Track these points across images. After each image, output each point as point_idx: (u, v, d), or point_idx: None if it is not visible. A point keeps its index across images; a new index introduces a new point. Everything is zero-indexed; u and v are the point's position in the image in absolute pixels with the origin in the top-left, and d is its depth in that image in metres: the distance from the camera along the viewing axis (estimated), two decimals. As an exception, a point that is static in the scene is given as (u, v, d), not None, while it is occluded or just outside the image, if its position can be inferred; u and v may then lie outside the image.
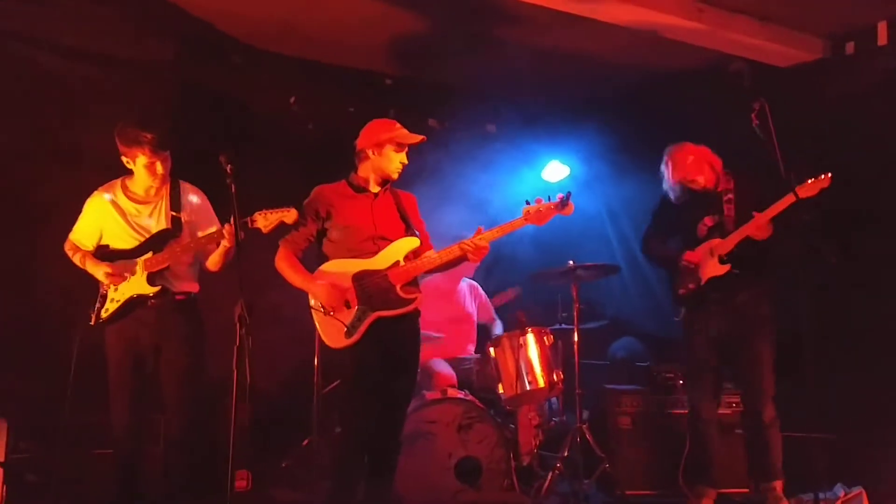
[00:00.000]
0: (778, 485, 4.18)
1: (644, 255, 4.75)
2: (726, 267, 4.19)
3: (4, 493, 3.86)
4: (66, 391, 3.81)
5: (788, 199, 3.90)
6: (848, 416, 4.50)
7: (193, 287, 3.91)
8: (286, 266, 3.67)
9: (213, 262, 3.83)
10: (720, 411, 4.57)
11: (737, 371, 4.36)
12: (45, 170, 4.59)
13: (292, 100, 5.79)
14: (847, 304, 4.75)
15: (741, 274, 4.17)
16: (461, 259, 3.70)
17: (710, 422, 4.34)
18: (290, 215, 3.56)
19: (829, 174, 3.88)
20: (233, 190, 3.29)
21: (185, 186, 3.92)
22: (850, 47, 5.14)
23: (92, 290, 3.84)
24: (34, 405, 4.04)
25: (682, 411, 4.85)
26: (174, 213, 3.83)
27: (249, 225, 3.54)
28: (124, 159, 3.76)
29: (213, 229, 3.74)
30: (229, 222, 3.53)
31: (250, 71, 5.47)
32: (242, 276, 3.17)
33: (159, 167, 3.75)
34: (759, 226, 4.05)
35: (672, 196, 4.41)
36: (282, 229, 3.66)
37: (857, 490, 4.42)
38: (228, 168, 3.27)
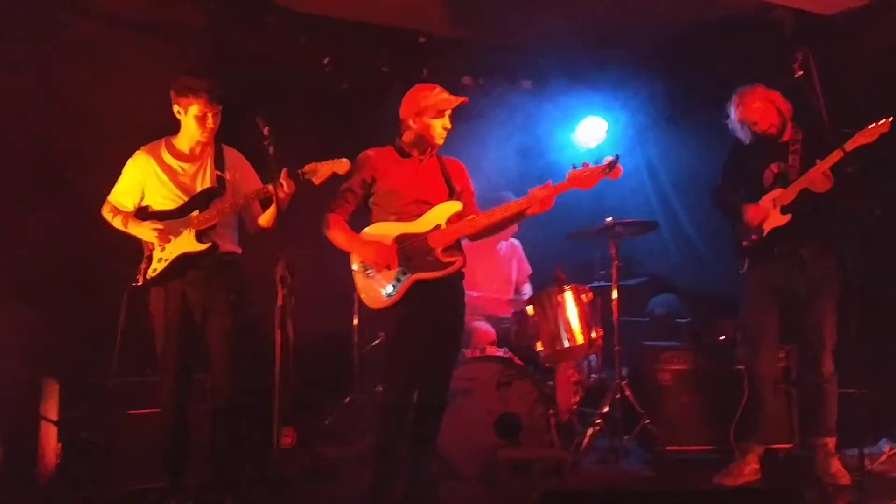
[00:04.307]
0: (830, 441, 4.16)
1: (713, 204, 4.62)
2: (787, 217, 4.13)
3: (60, 451, 3.98)
4: (112, 352, 3.88)
5: (839, 153, 3.85)
6: (893, 372, 4.44)
7: (237, 248, 3.91)
8: (333, 228, 3.69)
9: (266, 218, 3.81)
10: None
11: (799, 324, 4.27)
12: (82, 134, 4.64)
13: (326, 60, 5.78)
14: (890, 260, 4.65)
15: (804, 224, 4.11)
16: (506, 223, 3.70)
17: (765, 378, 4.31)
18: (342, 165, 3.55)
19: (890, 119, 3.81)
20: (270, 151, 3.31)
21: (226, 148, 3.92)
22: (897, -9, 4.97)
23: (136, 251, 3.84)
24: (84, 365, 4.13)
25: (722, 367, 4.83)
26: (219, 173, 3.82)
27: (302, 178, 3.53)
28: (175, 108, 3.74)
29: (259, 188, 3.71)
30: (276, 182, 3.52)
31: (284, 32, 5.45)
32: (284, 237, 3.20)
33: (210, 120, 3.72)
34: (814, 178, 4.00)
35: (740, 136, 4.37)
36: (335, 181, 3.64)
37: (902, 445, 4.40)
38: (265, 130, 3.28)
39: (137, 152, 3.85)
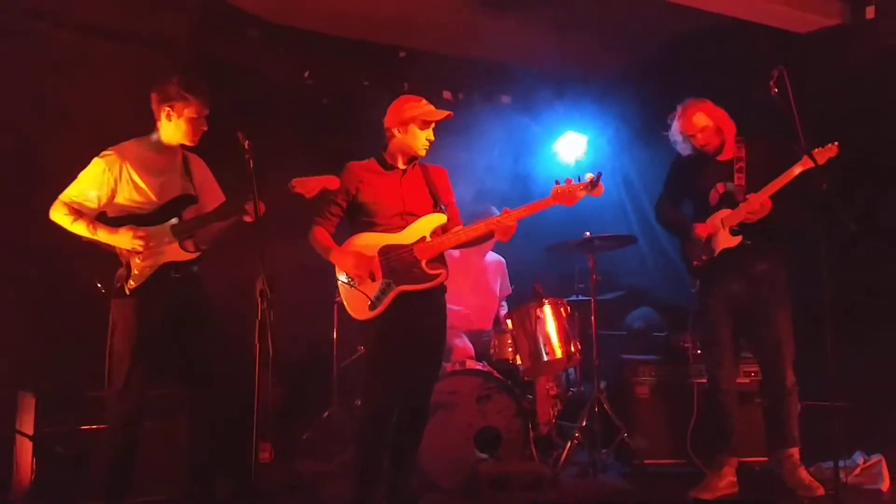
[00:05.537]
0: (795, 451, 4.21)
1: (657, 221, 4.70)
2: (738, 238, 4.19)
3: (34, 467, 3.92)
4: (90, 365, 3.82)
5: (783, 179, 3.97)
6: (867, 385, 4.49)
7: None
8: (317, 240, 3.71)
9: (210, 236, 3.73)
10: (739, 381, 4.56)
11: (756, 339, 4.36)
12: (63, 146, 4.60)
13: (306, 73, 5.78)
14: (866, 274, 4.72)
15: (754, 244, 4.17)
16: (488, 236, 3.72)
17: (729, 392, 4.35)
18: (331, 182, 3.53)
19: (837, 143, 3.87)
20: (251, 165, 3.28)
21: (190, 155, 3.83)
22: (870, 11, 5.04)
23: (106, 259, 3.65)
24: (61, 378, 4.09)
25: (699, 380, 4.85)
26: (189, 181, 3.74)
27: (291, 191, 3.48)
28: (165, 110, 3.59)
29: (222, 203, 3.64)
30: (250, 198, 3.41)
31: (265, 45, 5.45)
32: (263, 252, 3.18)
33: (203, 125, 3.65)
34: (753, 209, 4.09)
35: (679, 149, 4.40)
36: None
37: (876, 457, 4.44)
38: (246, 144, 3.25)
39: (106, 152, 3.63)
